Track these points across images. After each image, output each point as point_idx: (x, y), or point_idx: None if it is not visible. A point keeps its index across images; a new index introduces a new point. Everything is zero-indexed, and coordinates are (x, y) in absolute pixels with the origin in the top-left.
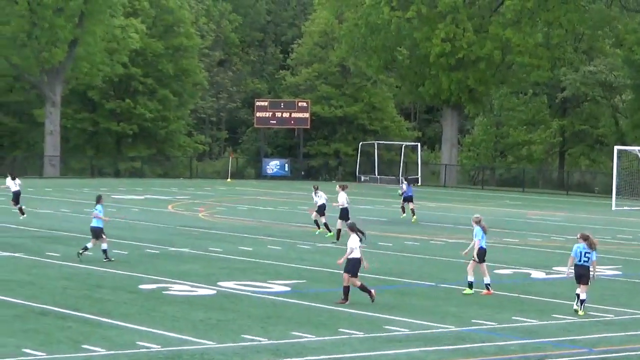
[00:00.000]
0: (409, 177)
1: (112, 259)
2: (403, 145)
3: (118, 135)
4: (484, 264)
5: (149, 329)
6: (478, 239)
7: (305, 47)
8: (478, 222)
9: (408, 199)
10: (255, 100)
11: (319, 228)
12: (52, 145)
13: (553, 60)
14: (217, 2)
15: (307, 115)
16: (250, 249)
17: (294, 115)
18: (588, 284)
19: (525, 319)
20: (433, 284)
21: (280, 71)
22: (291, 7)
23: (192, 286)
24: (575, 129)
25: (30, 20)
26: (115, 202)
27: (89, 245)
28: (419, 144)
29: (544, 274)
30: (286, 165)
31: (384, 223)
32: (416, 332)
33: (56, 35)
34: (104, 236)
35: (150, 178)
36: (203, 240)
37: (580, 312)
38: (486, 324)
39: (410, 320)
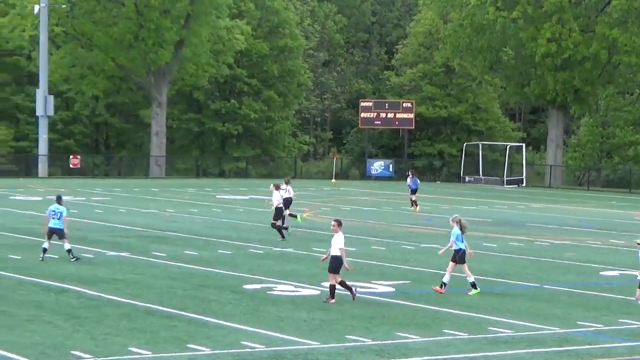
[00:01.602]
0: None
1: (78, 258)
2: (508, 146)
3: (223, 136)
4: (465, 265)
5: (253, 329)
6: (452, 240)
7: (410, 47)
8: (457, 223)
9: (413, 191)
10: (360, 100)
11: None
12: (157, 145)
13: None
14: (322, 3)
15: (411, 115)
16: (354, 249)
17: (398, 115)
18: None
19: (632, 322)
20: (537, 285)
21: (385, 72)
22: (396, 7)
23: (296, 286)
24: None
25: (137, 22)
26: (219, 202)
27: (46, 246)
28: (523, 145)
29: None
30: (390, 165)
31: (488, 224)
32: (521, 333)
33: (162, 36)
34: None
35: (254, 178)
36: (307, 240)
37: None
38: (592, 326)
39: (514, 321)
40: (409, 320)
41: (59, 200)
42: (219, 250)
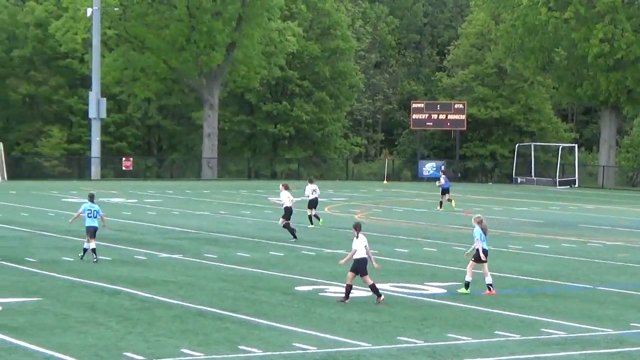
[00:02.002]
0: (450, 170)
1: (95, 260)
2: (560, 147)
3: (274, 138)
4: (485, 265)
5: (304, 331)
6: (477, 239)
7: (462, 48)
8: (479, 223)
9: (445, 191)
10: (412, 102)
11: (319, 220)
12: (209, 147)
13: None
14: (374, 5)
15: (463, 117)
16: (406, 250)
17: (450, 117)
18: None
19: None
20: (590, 286)
21: (437, 73)
22: (448, 8)
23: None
24: None
25: (189, 24)
26: (271, 204)
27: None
28: (576, 146)
29: None
30: (442, 167)
31: (541, 225)
32: (574, 335)
33: (214, 38)
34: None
35: (305, 180)
36: None
37: None
38: None
39: (567, 323)
40: (461, 321)
41: (92, 198)
42: (270, 252)
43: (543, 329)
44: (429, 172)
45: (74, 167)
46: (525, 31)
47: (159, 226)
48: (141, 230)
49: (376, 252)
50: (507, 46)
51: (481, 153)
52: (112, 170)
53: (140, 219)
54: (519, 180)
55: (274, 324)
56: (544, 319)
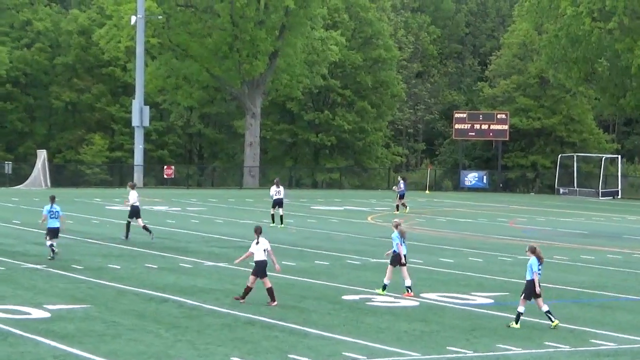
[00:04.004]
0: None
1: (50, 257)
2: (603, 158)
3: (316, 147)
4: (404, 268)
5: (353, 340)
6: (398, 243)
7: (504, 58)
8: (397, 227)
9: (402, 196)
10: (454, 112)
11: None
12: (251, 156)
13: None
14: (416, 15)
15: (505, 127)
16: (452, 260)
17: (492, 127)
18: None
19: None
20: (637, 298)
21: (478, 83)
22: (490, 18)
23: (394, 297)
24: None
25: (232, 32)
26: (314, 213)
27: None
28: (619, 157)
29: None
30: (484, 177)
31: (585, 236)
32: (624, 346)
33: (257, 47)
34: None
35: (347, 189)
36: None
37: None
38: None
39: (616, 334)
40: (510, 332)
41: (53, 200)
42: (315, 261)
43: (592, 340)
44: (470, 182)
45: (116, 174)
46: (568, 42)
47: (204, 234)
48: (186, 238)
49: (421, 262)
50: (550, 56)
51: (523, 163)
52: (153, 178)
53: (184, 227)
54: (561, 191)
55: (323, 332)
56: (593, 330)
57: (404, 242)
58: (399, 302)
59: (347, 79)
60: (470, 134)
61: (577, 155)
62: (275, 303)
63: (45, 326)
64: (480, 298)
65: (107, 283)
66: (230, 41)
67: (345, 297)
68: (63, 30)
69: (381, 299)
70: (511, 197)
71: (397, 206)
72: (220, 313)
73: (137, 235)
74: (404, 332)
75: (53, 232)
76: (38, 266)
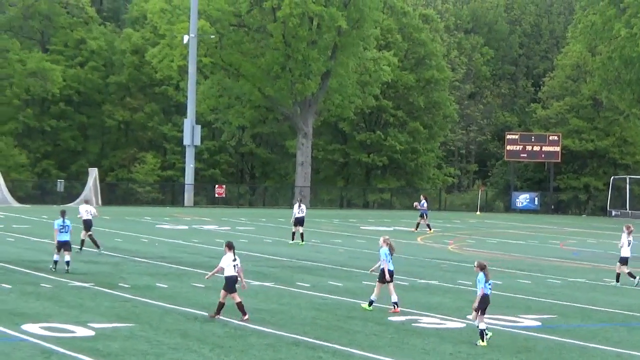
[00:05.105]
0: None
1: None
2: None
3: (368, 167)
4: (391, 284)
5: None
6: (383, 259)
7: (557, 80)
8: (386, 242)
9: (425, 215)
10: (506, 133)
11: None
12: (302, 176)
13: None
14: (469, 36)
15: (557, 149)
16: (500, 282)
17: (544, 148)
18: None
19: None
20: None
21: (531, 104)
22: (544, 40)
23: (441, 319)
24: None
25: (284, 52)
26: (363, 233)
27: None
28: None
29: None
30: (536, 198)
31: (636, 259)
32: None
33: (309, 67)
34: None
35: (398, 210)
36: (452, 272)
37: None
38: None
39: None
40: (556, 355)
41: (63, 215)
42: (363, 282)
43: None
44: (522, 203)
45: (167, 193)
46: (622, 63)
47: (251, 254)
48: None
49: (469, 283)
50: (604, 78)
51: (575, 185)
52: (204, 197)
53: None
54: (613, 213)
55: (368, 354)
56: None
57: (391, 258)
58: (445, 324)
59: (399, 100)
60: (522, 155)
61: (630, 177)
62: (247, 317)
63: (89, 344)
64: (527, 320)
65: (153, 302)
66: (283, 61)
67: (391, 318)
68: (116, 49)
69: (427, 320)
70: (563, 219)
71: (418, 224)
72: (264, 333)
73: (185, 254)
74: (449, 355)
75: (63, 246)
76: (85, 284)
